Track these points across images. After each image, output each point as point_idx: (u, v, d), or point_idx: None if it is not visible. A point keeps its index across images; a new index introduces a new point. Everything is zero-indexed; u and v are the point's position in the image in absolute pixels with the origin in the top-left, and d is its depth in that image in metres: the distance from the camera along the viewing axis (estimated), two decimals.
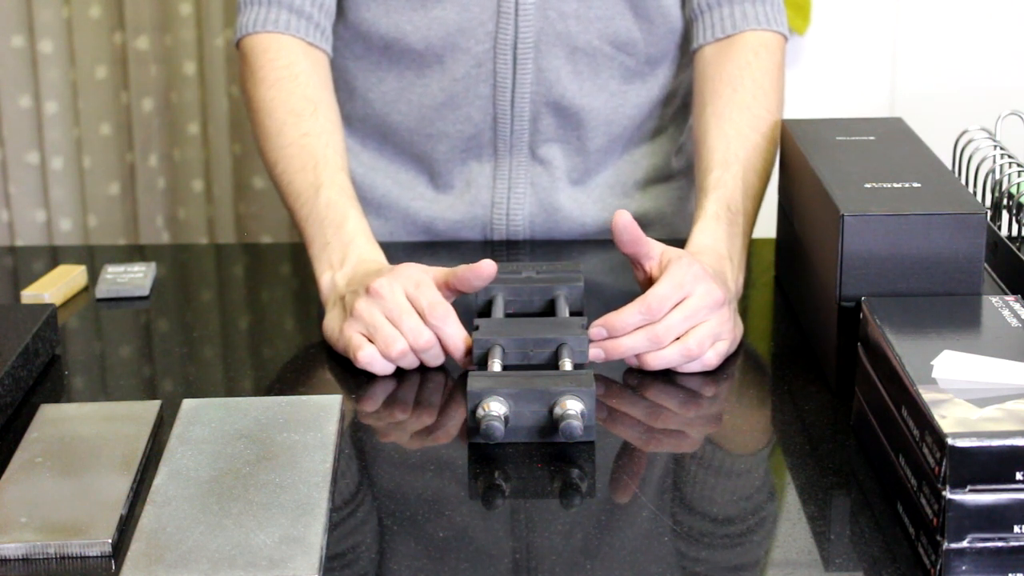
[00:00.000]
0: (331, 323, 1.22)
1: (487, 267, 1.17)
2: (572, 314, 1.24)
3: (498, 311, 1.23)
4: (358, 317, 1.18)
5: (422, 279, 1.18)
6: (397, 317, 1.16)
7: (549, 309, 1.25)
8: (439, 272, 1.20)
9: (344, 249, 1.26)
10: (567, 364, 1.12)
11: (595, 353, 1.16)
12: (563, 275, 1.28)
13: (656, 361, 1.17)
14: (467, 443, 1.07)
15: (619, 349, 1.16)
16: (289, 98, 1.37)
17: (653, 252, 1.20)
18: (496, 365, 1.12)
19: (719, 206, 1.30)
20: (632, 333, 1.16)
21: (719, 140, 1.35)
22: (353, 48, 1.47)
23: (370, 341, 1.17)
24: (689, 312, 1.16)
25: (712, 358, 1.18)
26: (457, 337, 1.16)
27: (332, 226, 1.28)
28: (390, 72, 1.47)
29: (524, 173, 1.49)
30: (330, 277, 1.25)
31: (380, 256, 1.27)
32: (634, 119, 1.50)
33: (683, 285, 1.16)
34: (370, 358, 1.17)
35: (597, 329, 1.17)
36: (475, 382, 1.06)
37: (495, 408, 1.04)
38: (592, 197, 1.52)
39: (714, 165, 1.33)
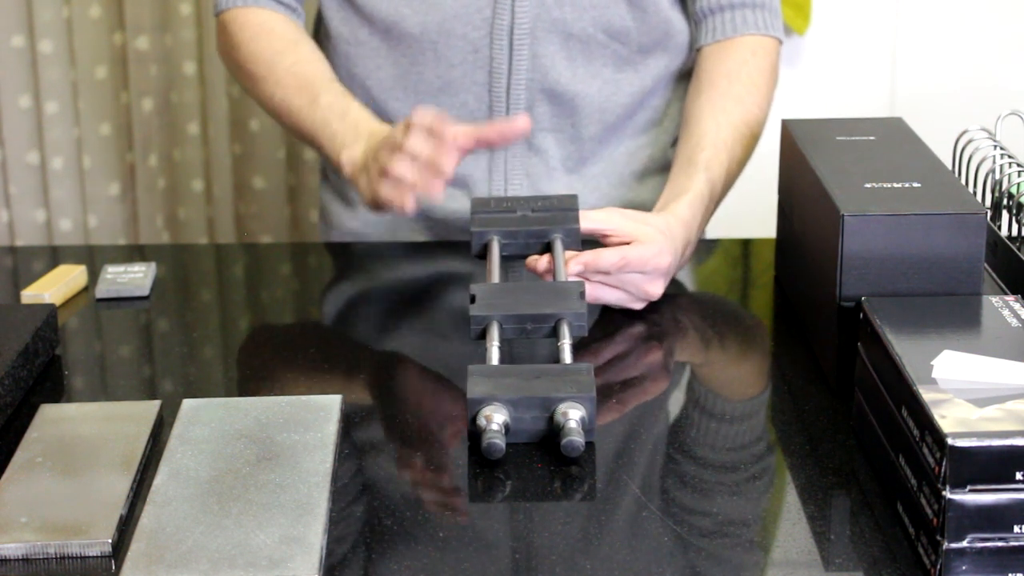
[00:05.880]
0: (364, 193, 1.31)
1: (522, 123, 1.26)
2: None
3: (494, 256, 1.23)
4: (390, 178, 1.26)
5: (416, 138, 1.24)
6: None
7: (546, 252, 1.25)
8: (466, 131, 1.24)
9: (354, 129, 1.36)
10: (566, 346, 1.11)
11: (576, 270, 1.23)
12: (559, 213, 1.28)
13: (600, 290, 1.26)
14: (467, 443, 1.07)
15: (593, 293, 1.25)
16: (270, 43, 1.47)
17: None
18: (495, 351, 1.11)
19: (707, 188, 1.36)
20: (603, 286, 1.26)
21: (711, 123, 1.41)
22: (357, 34, 1.50)
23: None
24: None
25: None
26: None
27: (336, 119, 1.39)
28: (388, 58, 1.49)
29: (520, 164, 1.50)
30: (348, 155, 1.34)
31: (388, 128, 1.33)
32: (627, 108, 1.52)
33: (660, 254, 1.25)
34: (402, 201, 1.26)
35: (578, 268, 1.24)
36: (475, 386, 1.06)
37: (496, 418, 1.03)
38: (588, 187, 1.53)
39: (706, 144, 1.39)
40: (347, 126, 1.37)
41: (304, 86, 1.43)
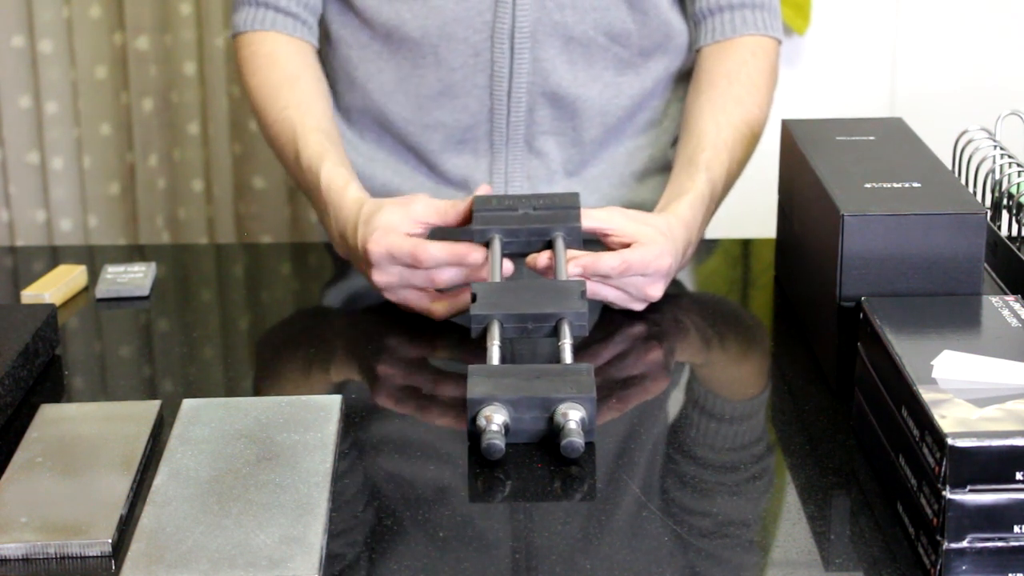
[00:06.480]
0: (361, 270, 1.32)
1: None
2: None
3: (495, 255, 1.23)
4: (384, 289, 1.28)
5: (393, 242, 1.25)
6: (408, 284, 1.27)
7: (547, 250, 1.25)
8: (428, 212, 1.27)
9: (334, 211, 1.33)
10: (567, 346, 1.11)
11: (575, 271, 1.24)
12: (560, 210, 1.27)
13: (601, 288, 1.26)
14: (467, 443, 1.07)
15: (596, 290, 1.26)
16: (269, 79, 1.46)
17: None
18: (495, 351, 1.11)
19: (708, 188, 1.36)
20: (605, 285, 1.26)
21: (711, 124, 1.41)
22: (358, 37, 1.50)
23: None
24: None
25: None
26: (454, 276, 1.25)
27: (314, 191, 1.37)
28: (389, 62, 1.49)
29: (520, 167, 1.51)
30: (335, 235, 1.34)
31: (353, 203, 1.31)
32: (628, 110, 1.52)
33: (661, 256, 1.25)
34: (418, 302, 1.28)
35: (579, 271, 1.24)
36: (475, 386, 1.06)
37: (495, 419, 1.03)
38: (589, 189, 1.53)
39: (707, 145, 1.39)
40: (324, 204, 1.35)
41: (288, 141, 1.40)
